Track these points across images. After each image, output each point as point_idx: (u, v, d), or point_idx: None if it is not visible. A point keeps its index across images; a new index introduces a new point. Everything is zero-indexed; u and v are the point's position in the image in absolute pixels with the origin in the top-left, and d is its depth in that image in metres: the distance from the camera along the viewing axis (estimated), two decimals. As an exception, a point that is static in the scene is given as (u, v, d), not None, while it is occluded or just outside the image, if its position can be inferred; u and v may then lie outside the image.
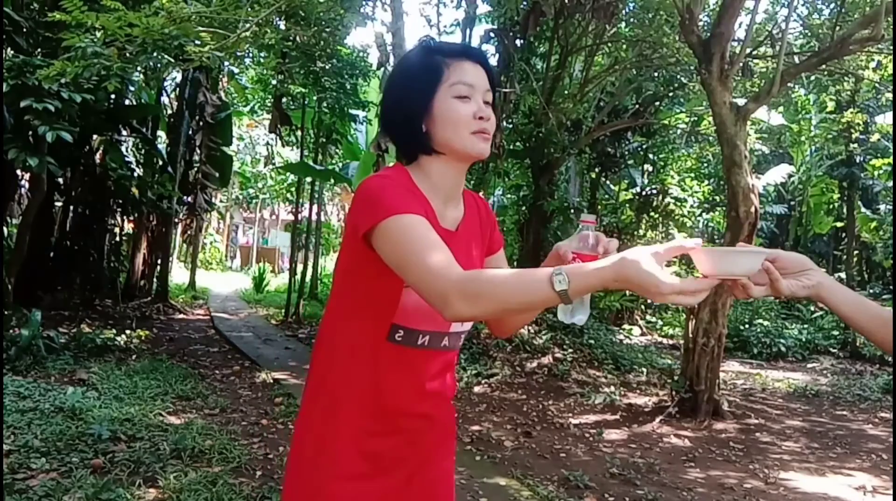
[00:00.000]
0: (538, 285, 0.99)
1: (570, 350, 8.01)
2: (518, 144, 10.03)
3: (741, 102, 6.07)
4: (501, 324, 1.40)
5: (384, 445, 1.27)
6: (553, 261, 1.18)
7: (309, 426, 1.31)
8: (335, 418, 1.25)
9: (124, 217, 11.29)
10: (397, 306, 1.19)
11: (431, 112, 1.22)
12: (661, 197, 12.62)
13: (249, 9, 5.60)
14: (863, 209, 13.62)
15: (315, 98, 10.73)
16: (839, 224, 14.45)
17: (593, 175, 13.00)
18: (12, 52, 6.35)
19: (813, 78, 10.32)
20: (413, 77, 1.25)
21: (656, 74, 9.72)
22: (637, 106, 10.75)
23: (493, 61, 9.07)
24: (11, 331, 5.99)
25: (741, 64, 6.38)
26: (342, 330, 1.27)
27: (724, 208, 10.99)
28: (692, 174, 13.34)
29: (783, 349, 10.70)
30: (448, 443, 1.42)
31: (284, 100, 10.85)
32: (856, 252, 12.54)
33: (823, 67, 7.14)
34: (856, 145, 11.34)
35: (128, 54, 5.27)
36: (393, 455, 1.28)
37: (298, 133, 12.00)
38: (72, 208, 9.94)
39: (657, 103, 10.84)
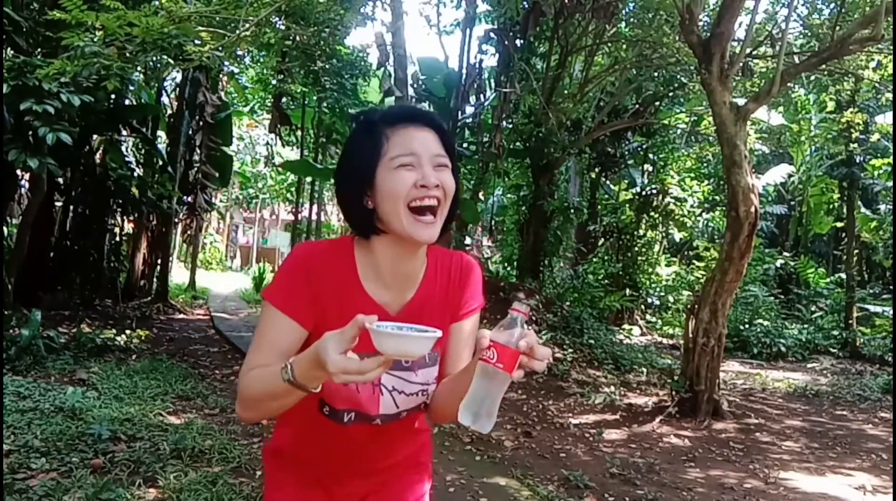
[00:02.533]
0: (274, 378, 1.05)
1: (570, 350, 8.01)
2: (518, 144, 10.04)
3: (741, 102, 6.07)
4: (435, 413, 1.29)
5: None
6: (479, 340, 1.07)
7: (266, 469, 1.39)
8: (280, 473, 1.34)
9: (124, 217, 11.28)
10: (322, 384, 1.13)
11: (375, 187, 1.15)
12: (661, 197, 12.62)
13: (249, 8, 5.60)
14: (863, 209, 13.61)
15: (315, 98, 10.74)
16: (839, 224, 14.45)
17: (593, 175, 13.01)
18: (12, 52, 6.35)
19: (813, 78, 10.33)
20: (355, 152, 1.19)
21: (656, 74, 9.72)
22: (637, 106, 10.75)
23: (493, 61, 9.10)
24: (11, 331, 5.99)
25: (741, 64, 6.38)
26: None
27: (724, 208, 11.00)
28: (692, 174, 13.35)
29: (783, 349, 10.70)
30: None
31: (284, 100, 10.87)
32: (856, 252, 12.51)
33: (823, 67, 7.14)
34: (856, 145, 11.32)
35: (127, 54, 5.27)
36: None
37: (298, 133, 12.01)
38: (72, 208, 9.94)
39: (657, 103, 10.84)
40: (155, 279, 11.62)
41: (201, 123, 11.50)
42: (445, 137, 1.19)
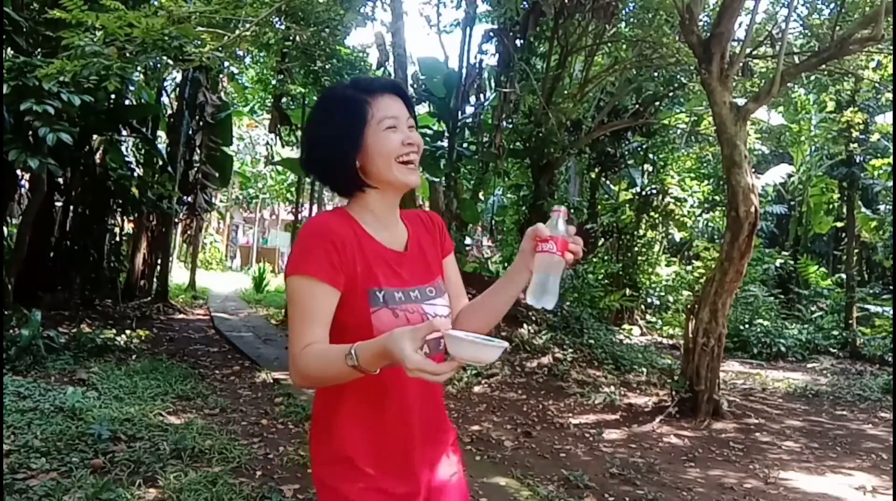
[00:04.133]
0: (337, 361, 1.14)
1: (570, 350, 8.01)
2: (518, 144, 10.03)
3: (741, 102, 6.07)
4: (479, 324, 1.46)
5: (384, 451, 1.33)
6: (527, 242, 1.33)
7: (319, 442, 1.39)
8: (338, 440, 1.34)
9: (124, 217, 11.28)
10: (371, 329, 1.26)
11: (364, 148, 1.31)
12: (660, 197, 12.62)
13: (249, 8, 5.60)
14: (863, 209, 13.61)
15: (315, 98, 10.73)
16: (839, 224, 14.45)
17: (593, 175, 13.01)
18: (12, 52, 6.35)
19: (813, 78, 10.30)
20: (340, 119, 1.33)
21: (656, 74, 9.72)
22: (637, 106, 10.75)
23: (493, 61, 9.10)
24: (11, 331, 5.99)
25: (741, 64, 6.38)
26: None
27: (723, 208, 11.00)
28: (692, 174, 13.35)
29: (783, 349, 10.70)
30: (445, 454, 1.45)
31: (284, 100, 10.86)
32: (856, 252, 12.51)
33: (823, 67, 7.14)
34: (856, 145, 11.32)
35: (127, 54, 5.27)
36: (395, 462, 1.34)
37: (298, 133, 12.00)
38: (72, 208, 9.93)
39: (657, 103, 10.84)
40: (155, 279, 11.62)
41: (201, 123, 11.50)
42: (408, 101, 1.39)
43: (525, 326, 8.28)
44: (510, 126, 9.32)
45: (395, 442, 1.34)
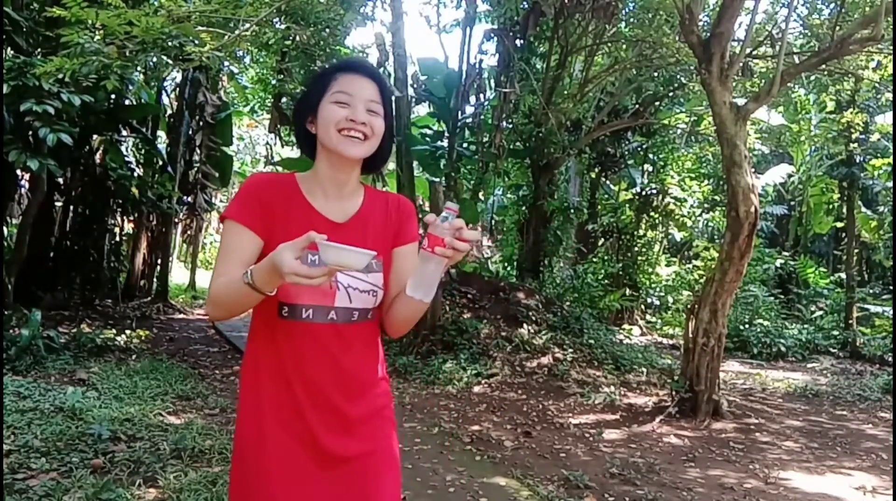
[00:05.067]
0: (237, 283, 1.27)
1: (570, 350, 8.00)
2: (518, 144, 10.03)
3: (741, 102, 6.07)
4: (388, 326, 1.50)
5: (291, 405, 1.40)
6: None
7: (240, 404, 1.49)
8: (253, 393, 1.44)
9: (124, 217, 11.28)
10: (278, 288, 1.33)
11: (317, 115, 1.43)
12: (660, 197, 12.61)
13: (249, 8, 5.59)
14: (863, 209, 13.60)
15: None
16: (839, 224, 14.44)
17: (593, 175, 13.01)
18: (12, 52, 6.35)
19: (813, 78, 10.31)
20: (309, 88, 1.50)
21: (656, 74, 9.72)
22: (637, 106, 10.75)
23: (493, 61, 9.09)
24: (11, 331, 5.99)
25: (741, 64, 6.38)
26: (254, 313, 1.47)
27: (724, 208, 10.99)
28: (692, 174, 13.34)
29: (783, 349, 10.69)
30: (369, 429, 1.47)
31: (284, 100, 10.84)
32: (856, 252, 12.51)
33: (823, 67, 7.14)
34: (856, 145, 11.32)
35: (127, 52, 5.26)
36: (303, 426, 1.40)
37: (298, 133, 12.00)
38: (72, 208, 9.94)
39: (657, 103, 10.84)
40: (155, 279, 11.62)
41: (201, 123, 11.49)
42: (384, 90, 1.46)
43: (525, 326, 8.27)
44: (510, 126, 9.32)
45: (288, 397, 1.40)
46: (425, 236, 1.29)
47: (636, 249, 12.69)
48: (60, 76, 5.27)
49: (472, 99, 8.87)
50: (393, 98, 1.51)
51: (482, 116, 9.33)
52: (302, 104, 1.50)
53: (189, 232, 14.47)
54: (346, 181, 1.48)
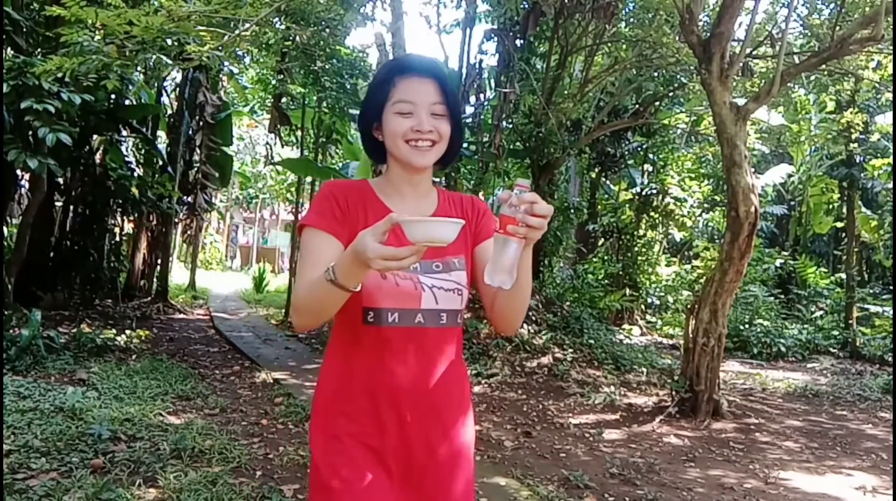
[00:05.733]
0: (319, 282, 1.21)
1: (570, 350, 8.00)
2: (518, 144, 10.03)
3: (741, 102, 6.07)
4: (496, 321, 1.45)
5: (376, 424, 1.36)
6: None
7: (315, 424, 1.43)
8: (332, 409, 1.40)
9: (124, 217, 11.29)
10: (363, 288, 1.30)
11: (382, 125, 1.40)
12: (660, 197, 12.61)
13: (249, 8, 5.59)
14: (863, 209, 13.60)
15: (315, 98, 10.73)
16: (839, 224, 14.45)
17: (593, 175, 13.01)
18: (12, 52, 6.35)
19: (813, 78, 10.30)
20: (370, 95, 1.45)
21: (656, 74, 9.71)
22: (637, 106, 10.74)
23: (493, 61, 9.09)
24: (11, 331, 5.99)
25: (741, 64, 6.37)
26: (336, 323, 1.42)
27: (724, 208, 10.99)
28: (692, 174, 13.34)
29: (783, 349, 10.69)
30: (453, 425, 1.43)
31: (284, 100, 10.84)
32: (856, 252, 12.51)
33: (823, 67, 7.14)
34: (856, 145, 11.32)
35: (127, 52, 5.26)
36: (385, 440, 1.36)
37: (298, 133, 12.01)
38: (72, 208, 9.94)
39: (657, 103, 10.83)
40: (155, 279, 11.62)
41: (201, 123, 11.49)
42: (445, 87, 1.40)
43: (525, 326, 8.27)
44: (510, 126, 9.32)
45: (367, 398, 1.36)
46: (498, 217, 1.22)
47: (636, 249, 12.69)
48: (60, 75, 5.27)
49: (472, 99, 8.87)
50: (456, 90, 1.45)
51: (482, 116, 9.33)
52: (365, 112, 1.46)
53: (189, 232, 14.46)
54: (419, 182, 1.46)
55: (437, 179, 9.98)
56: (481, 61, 8.80)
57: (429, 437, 1.38)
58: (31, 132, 6.19)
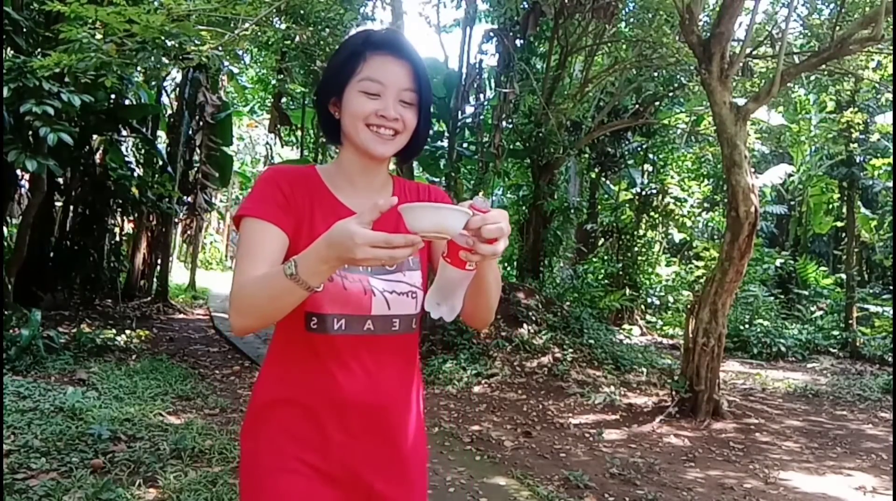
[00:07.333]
0: (274, 278, 1.03)
1: (570, 350, 8.00)
2: (518, 144, 10.03)
3: (741, 102, 6.07)
4: (465, 319, 1.28)
5: (317, 440, 1.22)
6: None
7: (246, 427, 1.29)
8: (266, 416, 1.25)
9: (124, 217, 11.29)
10: None
11: (342, 100, 1.23)
12: (660, 197, 12.62)
13: (248, 7, 5.59)
14: (863, 209, 13.60)
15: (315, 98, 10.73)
16: (839, 224, 14.44)
17: (593, 175, 13.01)
18: (12, 52, 6.34)
19: (813, 78, 10.30)
20: (334, 64, 1.26)
21: (656, 74, 9.72)
22: (637, 106, 10.75)
23: (493, 61, 9.10)
24: (11, 331, 5.99)
25: (741, 64, 6.38)
26: (276, 326, 1.26)
27: (724, 208, 10.99)
28: (692, 174, 13.34)
29: (783, 349, 10.69)
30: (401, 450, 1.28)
31: (284, 100, 10.86)
32: (856, 252, 12.51)
33: (823, 67, 7.14)
34: (856, 145, 11.32)
35: (126, 50, 5.27)
36: (332, 452, 1.22)
37: (298, 133, 12.01)
38: (72, 208, 9.94)
39: (657, 103, 10.84)
40: (155, 279, 11.62)
41: (201, 123, 11.49)
42: (420, 73, 1.25)
43: (525, 326, 8.27)
44: (510, 126, 9.32)
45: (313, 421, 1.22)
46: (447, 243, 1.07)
47: (636, 249, 12.70)
48: (58, 71, 5.27)
49: (472, 99, 8.88)
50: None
51: (482, 116, 9.34)
52: (326, 83, 1.28)
53: (189, 232, 14.45)
54: (376, 173, 1.30)
55: (438, 179, 9.99)
56: (481, 61, 8.81)
57: (377, 455, 1.24)
58: (31, 133, 6.19)
